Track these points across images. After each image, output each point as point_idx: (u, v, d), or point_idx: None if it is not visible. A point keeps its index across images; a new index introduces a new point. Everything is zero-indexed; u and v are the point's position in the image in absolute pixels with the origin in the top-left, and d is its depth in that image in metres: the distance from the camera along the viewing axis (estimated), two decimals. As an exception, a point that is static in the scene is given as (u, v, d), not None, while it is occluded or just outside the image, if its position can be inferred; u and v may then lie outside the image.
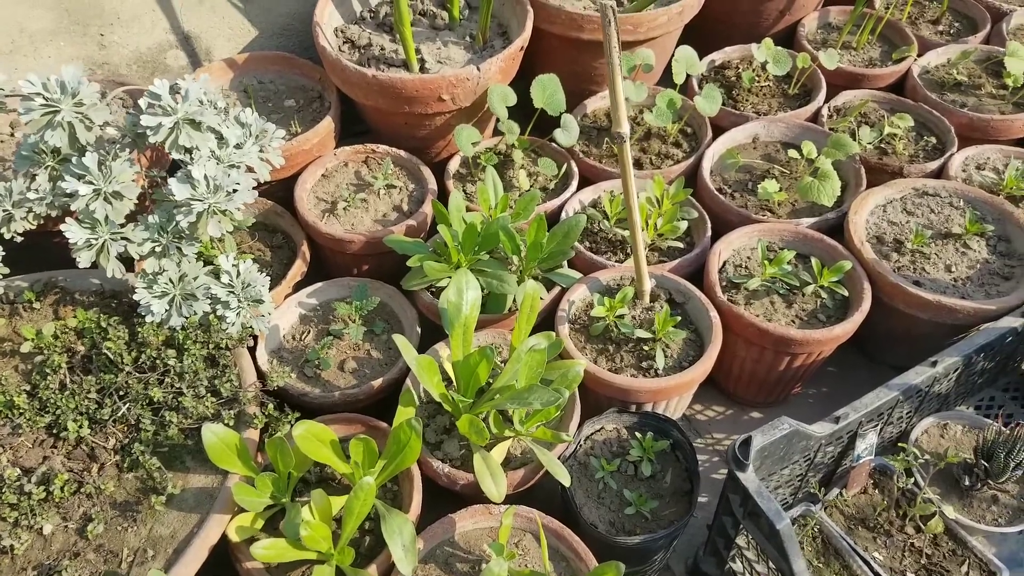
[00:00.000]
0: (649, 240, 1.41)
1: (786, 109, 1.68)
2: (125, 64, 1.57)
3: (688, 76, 1.67)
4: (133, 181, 1.10)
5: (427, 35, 1.63)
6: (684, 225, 1.40)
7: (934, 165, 1.53)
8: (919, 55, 1.78)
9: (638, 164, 1.59)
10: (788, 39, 1.87)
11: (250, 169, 1.21)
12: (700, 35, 1.90)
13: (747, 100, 1.70)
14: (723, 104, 1.68)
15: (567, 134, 1.51)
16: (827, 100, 1.69)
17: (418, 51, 1.57)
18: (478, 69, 1.45)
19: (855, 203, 1.41)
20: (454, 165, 1.55)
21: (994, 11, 1.90)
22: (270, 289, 1.30)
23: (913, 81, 1.70)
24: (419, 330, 1.31)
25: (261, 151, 1.27)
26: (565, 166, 1.55)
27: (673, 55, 1.59)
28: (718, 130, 1.63)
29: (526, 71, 1.63)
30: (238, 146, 1.25)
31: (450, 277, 1.24)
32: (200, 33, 1.60)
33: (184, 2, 1.55)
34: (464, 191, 1.53)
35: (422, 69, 1.55)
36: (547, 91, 1.52)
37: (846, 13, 1.88)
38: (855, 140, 1.60)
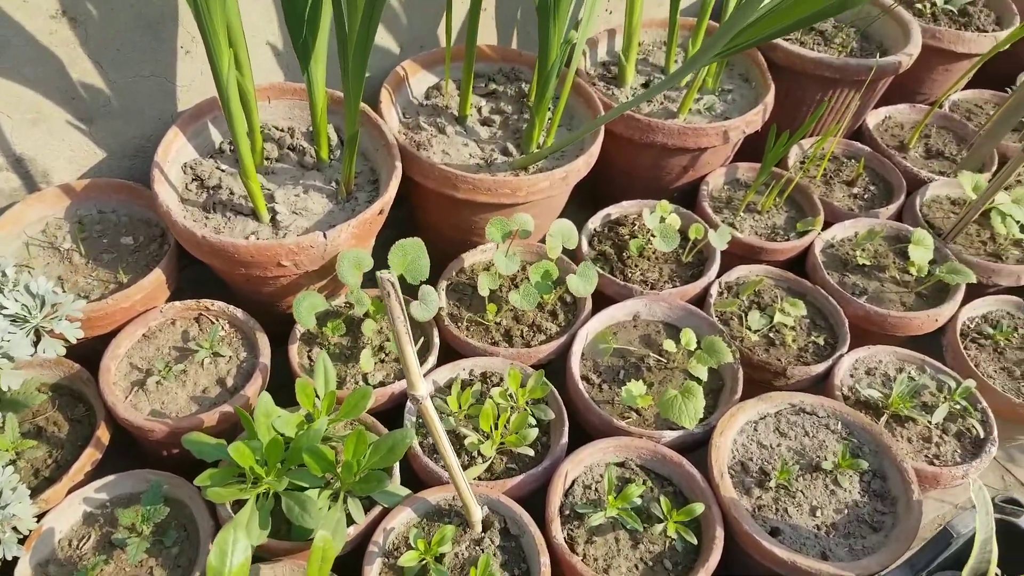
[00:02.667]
0: (495, 446, 1.26)
1: (676, 281, 1.55)
2: (-58, 188, 1.40)
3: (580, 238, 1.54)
4: None
5: (292, 175, 1.49)
6: (533, 434, 1.26)
7: (820, 368, 1.41)
8: (828, 224, 1.67)
9: (508, 336, 1.45)
10: (694, 193, 1.76)
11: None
12: (604, 184, 1.78)
13: (636, 266, 1.57)
14: (611, 271, 1.56)
15: (425, 308, 1.37)
16: (721, 273, 1.57)
17: (272, 198, 1.43)
18: (324, 236, 1.30)
19: (723, 420, 1.28)
20: (299, 329, 1.40)
21: (911, 178, 1.81)
22: (54, 480, 1.15)
23: (814, 259, 1.59)
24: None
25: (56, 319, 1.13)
26: (422, 340, 1.41)
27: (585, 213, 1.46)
28: (604, 300, 1.50)
29: (404, 221, 1.50)
30: (17, 319, 1.11)
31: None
32: (35, 155, 1.44)
33: (15, 123, 1.38)
34: (310, 358, 1.39)
35: (273, 220, 1.40)
36: (408, 256, 1.37)
37: (755, 170, 1.77)
38: (744, 325, 1.49)
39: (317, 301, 1.34)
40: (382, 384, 1.36)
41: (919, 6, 2.04)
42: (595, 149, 1.53)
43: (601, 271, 1.53)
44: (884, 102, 2.00)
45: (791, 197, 1.74)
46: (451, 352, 1.43)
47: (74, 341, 1.13)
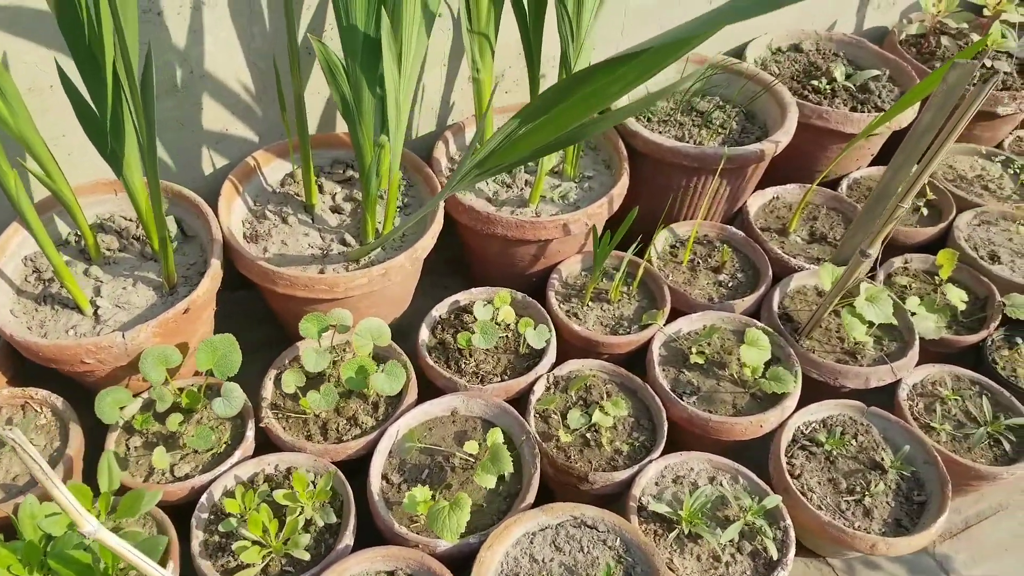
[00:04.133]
0: (265, 553, 1.28)
1: (508, 374, 1.55)
2: None
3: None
4: None
5: (131, 265, 1.55)
6: (305, 540, 1.27)
7: (625, 475, 1.38)
8: (682, 315, 1.64)
9: (324, 430, 1.47)
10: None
11: None
12: (459, 266, 1.79)
13: (472, 356, 1.58)
14: (446, 362, 1.57)
15: (227, 405, 1.40)
16: (555, 366, 1.56)
17: (99, 291, 1.49)
18: (123, 336, 1.35)
19: (495, 533, 1.27)
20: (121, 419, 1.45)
21: (782, 266, 1.75)
22: None
23: (651, 355, 1.56)
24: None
25: None
26: (228, 438, 1.45)
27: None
28: (436, 392, 1.51)
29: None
30: None
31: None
32: None
33: None
34: (127, 447, 1.44)
35: (96, 314, 1.46)
36: (218, 353, 1.42)
37: (615, 258, 1.74)
38: (564, 423, 1.47)
39: (122, 396, 1.39)
40: (188, 477, 1.40)
41: (815, 83, 1.99)
42: (422, 243, 1.54)
43: (434, 363, 1.54)
44: (782, 179, 1.96)
45: (646, 286, 1.72)
46: (270, 445, 1.46)
47: None
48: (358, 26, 1.24)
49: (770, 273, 1.72)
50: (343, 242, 1.61)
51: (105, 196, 1.61)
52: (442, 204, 1.63)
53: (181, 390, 1.50)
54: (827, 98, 1.97)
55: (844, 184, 2.00)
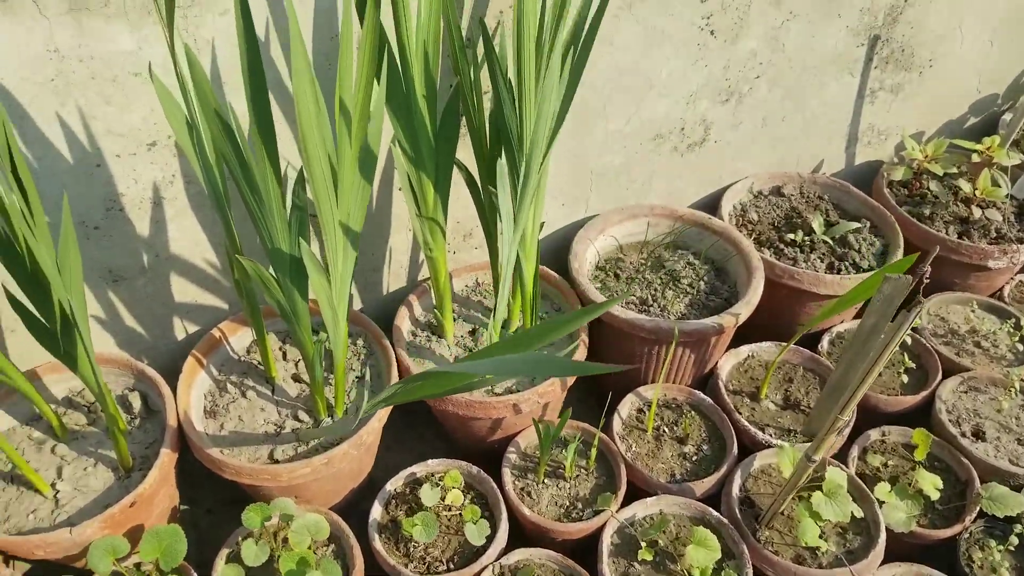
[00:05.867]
0: None
1: (454, 560, 1.54)
2: None
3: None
4: None
5: (97, 441, 1.61)
6: None
7: None
8: (641, 495, 1.60)
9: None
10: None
11: None
12: (424, 437, 1.80)
13: (419, 539, 1.57)
14: (395, 544, 1.57)
15: (169, 597, 1.43)
16: (506, 552, 1.54)
17: (60, 474, 1.55)
18: (71, 532, 1.40)
19: None
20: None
21: (748, 437, 1.70)
22: None
23: (601, 546, 1.53)
24: None
25: None
26: (173, 623, 1.47)
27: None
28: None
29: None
30: None
31: None
32: None
33: None
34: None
35: (56, 498, 1.51)
36: (163, 543, 1.44)
37: (575, 428, 1.72)
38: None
39: (67, 589, 1.43)
40: (129, 667, 1.42)
41: (792, 236, 1.95)
42: (368, 429, 1.55)
43: (382, 546, 1.54)
44: (761, 332, 1.91)
45: (605, 458, 1.69)
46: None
47: None
48: (282, 248, 1.28)
49: (735, 449, 1.67)
50: (297, 418, 1.64)
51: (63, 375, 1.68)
52: (395, 371, 1.65)
53: (139, 565, 1.54)
54: (804, 251, 1.92)
55: (826, 339, 1.93)
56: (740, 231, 1.97)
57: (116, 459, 1.57)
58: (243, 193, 1.20)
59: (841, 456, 1.69)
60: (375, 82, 1.26)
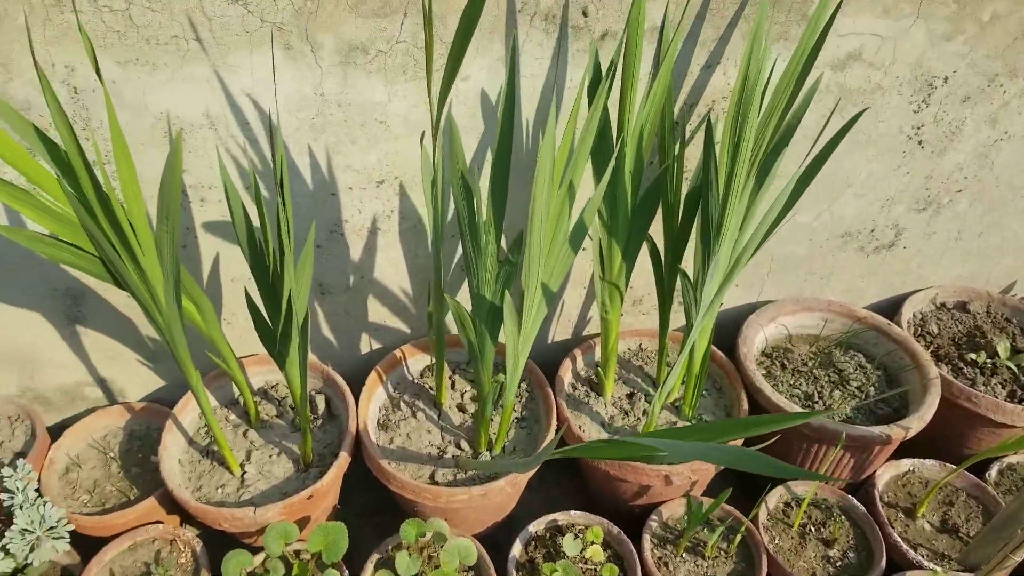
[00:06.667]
0: None
1: (584, 612, 1.59)
2: (50, 391, 1.91)
3: None
4: None
5: (281, 433, 1.79)
6: None
7: None
8: (775, 587, 1.60)
9: (405, 626, 1.59)
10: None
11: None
12: (560, 484, 1.86)
13: (554, 584, 1.64)
14: (527, 581, 1.65)
15: (325, 588, 1.57)
16: (633, 616, 1.58)
17: (249, 456, 1.74)
18: (254, 512, 1.57)
19: None
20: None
21: (898, 553, 1.66)
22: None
23: (730, 630, 1.54)
24: None
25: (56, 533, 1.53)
26: (323, 613, 1.61)
27: None
28: (512, 608, 1.59)
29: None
30: (25, 531, 1.51)
31: None
32: (112, 378, 1.90)
33: (100, 356, 1.86)
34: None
35: (243, 477, 1.70)
36: (328, 538, 1.59)
37: (722, 510, 1.74)
38: None
39: (245, 559, 1.60)
40: (280, 642, 1.57)
41: (973, 356, 1.88)
42: (518, 477, 1.64)
43: (516, 582, 1.63)
44: (926, 449, 1.86)
45: (747, 547, 1.69)
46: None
47: (61, 552, 1.52)
48: (486, 296, 1.40)
49: (883, 563, 1.63)
50: (459, 445, 1.75)
51: (274, 367, 1.88)
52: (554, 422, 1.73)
53: (298, 553, 1.69)
54: (985, 374, 1.85)
55: (995, 468, 1.85)
56: (918, 342, 1.93)
57: (298, 453, 1.75)
58: (465, 243, 1.33)
59: (999, 596, 1.62)
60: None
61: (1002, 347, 1.88)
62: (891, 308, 2.12)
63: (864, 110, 1.42)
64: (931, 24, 1.66)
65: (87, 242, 1.33)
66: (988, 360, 1.88)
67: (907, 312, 2.01)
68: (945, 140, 1.85)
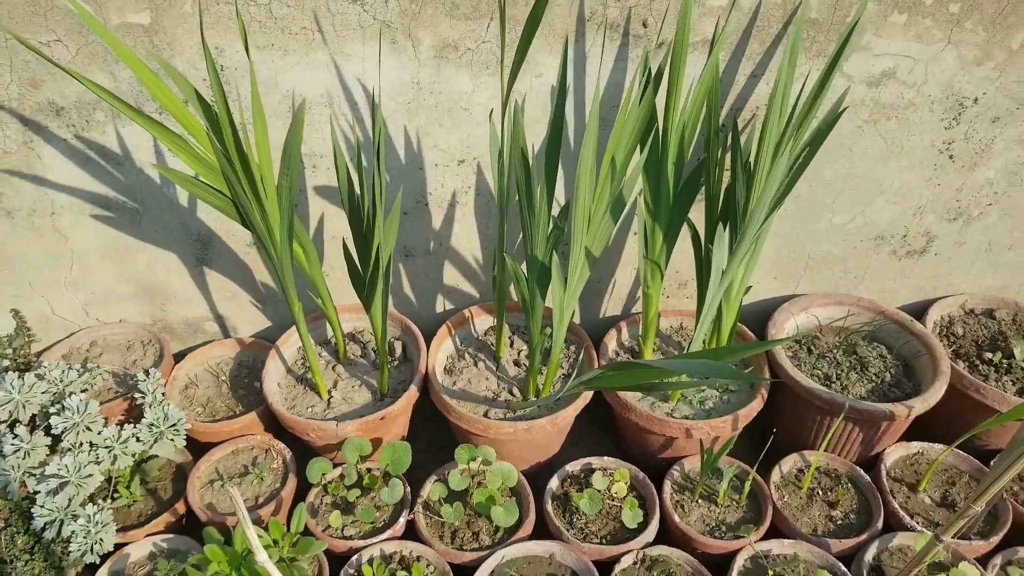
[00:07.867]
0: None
1: (606, 539, 1.84)
2: (176, 323, 2.29)
3: None
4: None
5: (363, 369, 2.12)
6: (403, 617, 1.68)
7: (666, 663, 1.60)
8: (777, 534, 1.81)
9: (454, 535, 1.88)
10: (676, 468, 2.01)
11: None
12: (603, 442, 2.11)
13: (583, 514, 1.89)
14: (563, 512, 1.91)
15: (390, 494, 1.87)
16: (651, 545, 1.82)
17: (336, 385, 2.06)
18: (336, 426, 1.89)
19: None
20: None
21: (895, 519, 1.84)
22: (142, 524, 1.87)
23: (733, 565, 1.76)
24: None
25: (175, 431, 1.89)
26: (387, 518, 1.91)
27: None
28: (548, 535, 1.86)
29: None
30: (152, 425, 1.87)
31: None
32: (228, 316, 2.28)
33: (220, 296, 2.23)
34: (320, 501, 1.97)
35: (329, 402, 2.03)
36: (396, 454, 1.90)
37: (738, 467, 1.95)
38: (636, 600, 1.73)
39: (325, 466, 1.93)
40: (350, 538, 1.88)
41: (990, 355, 2.04)
42: (564, 413, 1.90)
43: (552, 510, 1.89)
44: (940, 435, 2.02)
45: (756, 499, 1.91)
46: (414, 535, 1.90)
47: (175, 450, 1.87)
48: (537, 256, 1.68)
49: (880, 524, 1.82)
50: (511, 392, 2.03)
51: (361, 315, 2.21)
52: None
53: (369, 470, 2.01)
54: (999, 372, 2.00)
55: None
56: (942, 341, 2.10)
57: (376, 386, 2.07)
58: (522, 210, 1.61)
59: (983, 562, 1.77)
60: (638, 148, 1.63)
61: (1019, 349, 2.02)
62: (920, 311, 2.28)
63: (844, 108, 1.63)
64: (961, 50, 1.84)
65: (224, 185, 1.67)
66: (1004, 360, 2.03)
67: (935, 314, 2.17)
68: (975, 156, 2.02)
